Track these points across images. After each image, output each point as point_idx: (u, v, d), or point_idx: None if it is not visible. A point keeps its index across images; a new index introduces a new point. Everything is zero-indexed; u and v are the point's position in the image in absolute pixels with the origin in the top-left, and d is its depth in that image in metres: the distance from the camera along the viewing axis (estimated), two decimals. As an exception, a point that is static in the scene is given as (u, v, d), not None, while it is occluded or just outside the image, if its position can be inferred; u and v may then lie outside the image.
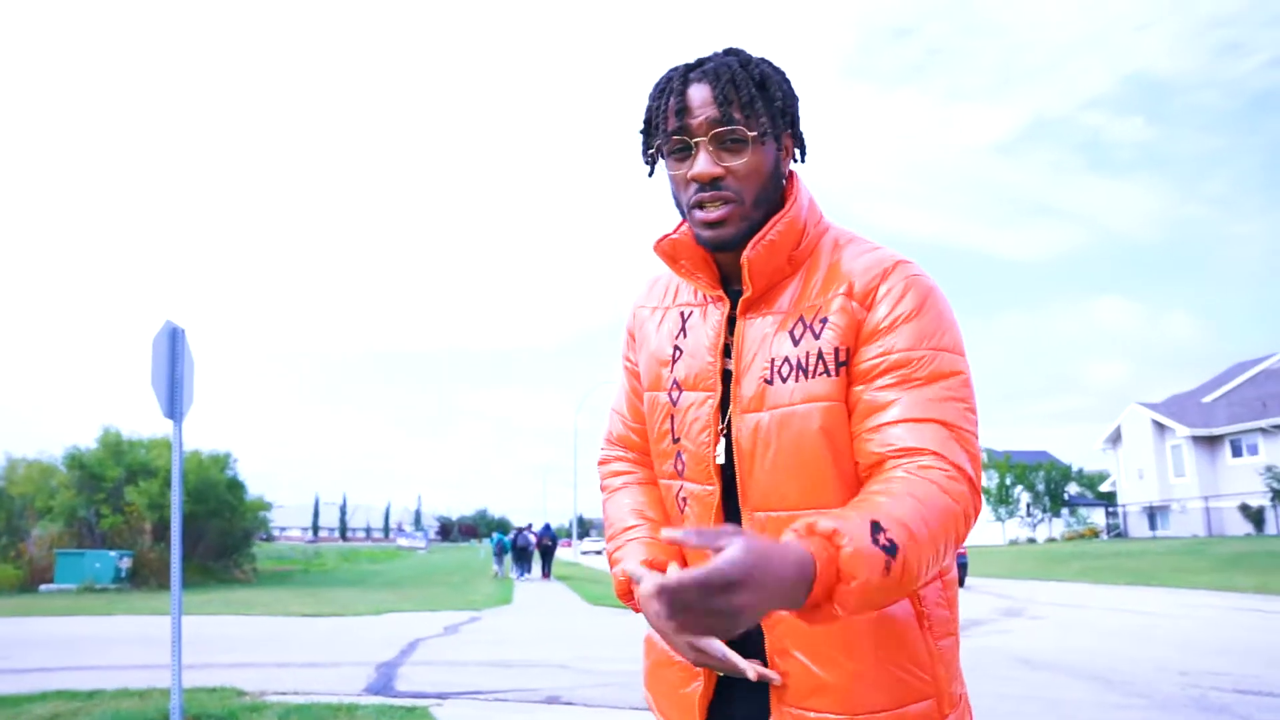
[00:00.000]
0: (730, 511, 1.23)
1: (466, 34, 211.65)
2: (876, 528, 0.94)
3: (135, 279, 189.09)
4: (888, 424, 1.10)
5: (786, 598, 0.91)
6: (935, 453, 1.06)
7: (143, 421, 34.29)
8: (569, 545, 61.98)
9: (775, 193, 1.23)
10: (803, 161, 1.29)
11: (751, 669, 1.10)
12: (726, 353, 1.24)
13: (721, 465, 1.23)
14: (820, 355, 1.16)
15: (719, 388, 1.23)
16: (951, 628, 1.19)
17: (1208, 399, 39.32)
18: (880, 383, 1.12)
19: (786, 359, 1.18)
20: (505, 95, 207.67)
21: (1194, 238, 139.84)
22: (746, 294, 1.22)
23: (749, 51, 1.26)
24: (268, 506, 30.35)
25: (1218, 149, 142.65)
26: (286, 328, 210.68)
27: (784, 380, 1.17)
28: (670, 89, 1.21)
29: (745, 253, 1.19)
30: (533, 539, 29.18)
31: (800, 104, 1.27)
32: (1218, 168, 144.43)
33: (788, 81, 1.27)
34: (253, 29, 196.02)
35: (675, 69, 1.24)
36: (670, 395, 1.29)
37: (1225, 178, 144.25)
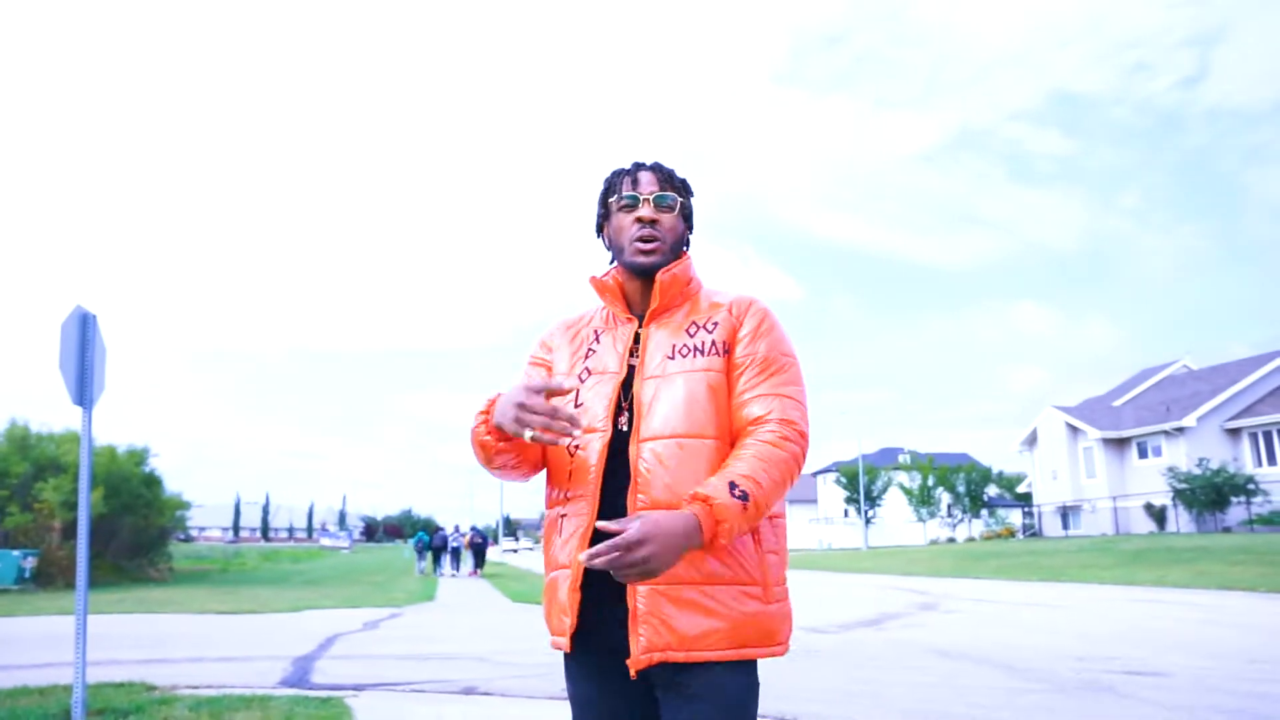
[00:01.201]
0: (615, 451, 1.68)
1: (393, 38, 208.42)
2: (733, 485, 1.54)
3: (47, 267, 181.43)
4: (750, 399, 1.70)
5: (683, 545, 1.48)
6: (778, 419, 1.66)
7: (51, 414, 32.90)
8: (493, 545, 61.52)
9: (680, 248, 1.85)
10: (687, 246, 1.90)
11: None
12: (633, 354, 1.77)
13: (621, 415, 1.72)
14: (711, 344, 1.75)
15: (623, 371, 1.76)
16: (776, 547, 1.71)
17: (1117, 403, 40.96)
18: (748, 374, 1.72)
19: (685, 345, 1.76)
20: (437, 100, 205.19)
21: (1109, 248, 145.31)
22: (654, 306, 1.80)
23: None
24: (186, 505, 29.44)
25: (1130, 164, 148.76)
26: (208, 326, 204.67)
27: (683, 357, 1.74)
28: (627, 171, 1.87)
29: (660, 275, 1.78)
30: (462, 539, 32.86)
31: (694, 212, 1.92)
32: (1131, 182, 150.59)
33: (693, 193, 1.91)
34: (186, 15, 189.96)
35: (631, 164, 1.89)
36: (580, 377, 1.79)
37: (1138, 192, 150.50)
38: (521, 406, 1.56)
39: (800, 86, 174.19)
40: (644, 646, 1.55)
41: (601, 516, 1.61)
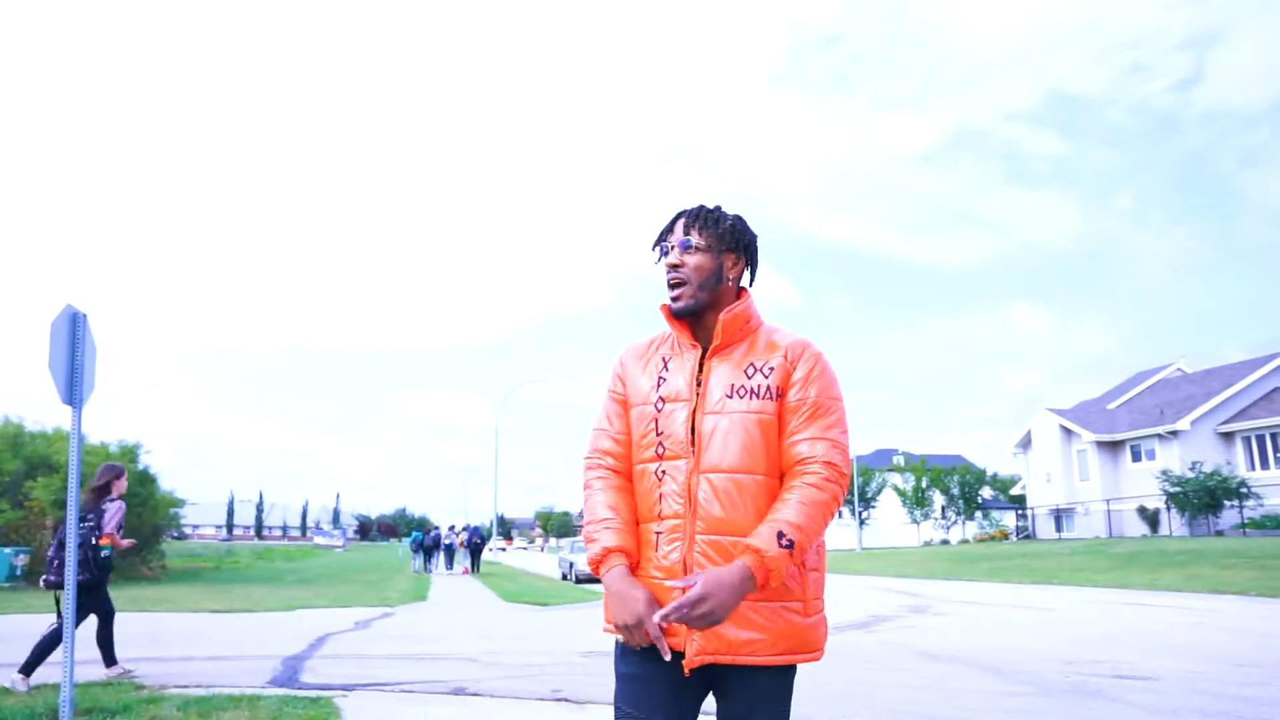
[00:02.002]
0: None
1: (392, 36, 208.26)
2: (780, 535, 1.77)
3: (43, 266, 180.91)
4: (798, 440, 1.91)
5: (740, 594, 1.74)
6: (822, 461, 1.87)
7: (45, 413, 32.84)
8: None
9: (717, 285, 2.01)
10: (752, 281, 2.11)
11: (666, 651, 1.81)
12: (698, 382, 1.97)
13: (691, 444, 1.93)
14: (767, 388, 1.93)
15: (693, 399, 1.96)
16: (818, 565, 1.96)
17: (1111, 406, 41.04)
18: (799, 418, 1.92)
19: (743, 385, 1.94)
20: (435, 98, 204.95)
21: (1104, 250, 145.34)
22: (716, 343, 1.99)
23: (723, 207, 2.10)
24: (180, 502, 29.33)
25: (1126, 165, 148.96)
26: (204, 324, 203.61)
27: (741, 397, 1.93)
28: (670, 223, 2.07)
29: (721, 315, 1.98)
30: (457, 538, 34.20)
31: (756, 241, 2.10)
32: (1126, 183, 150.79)
33: (741, 222, 2.08)
34: (182, 11, 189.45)
35: (675, 214, 2.08)
36: (656, 406, 2.00)
37: (1133, 193, 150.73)
38: (629, 632, 1.84)
39: (798, 86, 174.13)
40: (697, 649, 1.83)
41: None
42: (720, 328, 1.98)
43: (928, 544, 50.22)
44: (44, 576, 6.89)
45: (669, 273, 2.01)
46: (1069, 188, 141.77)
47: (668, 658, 1.79)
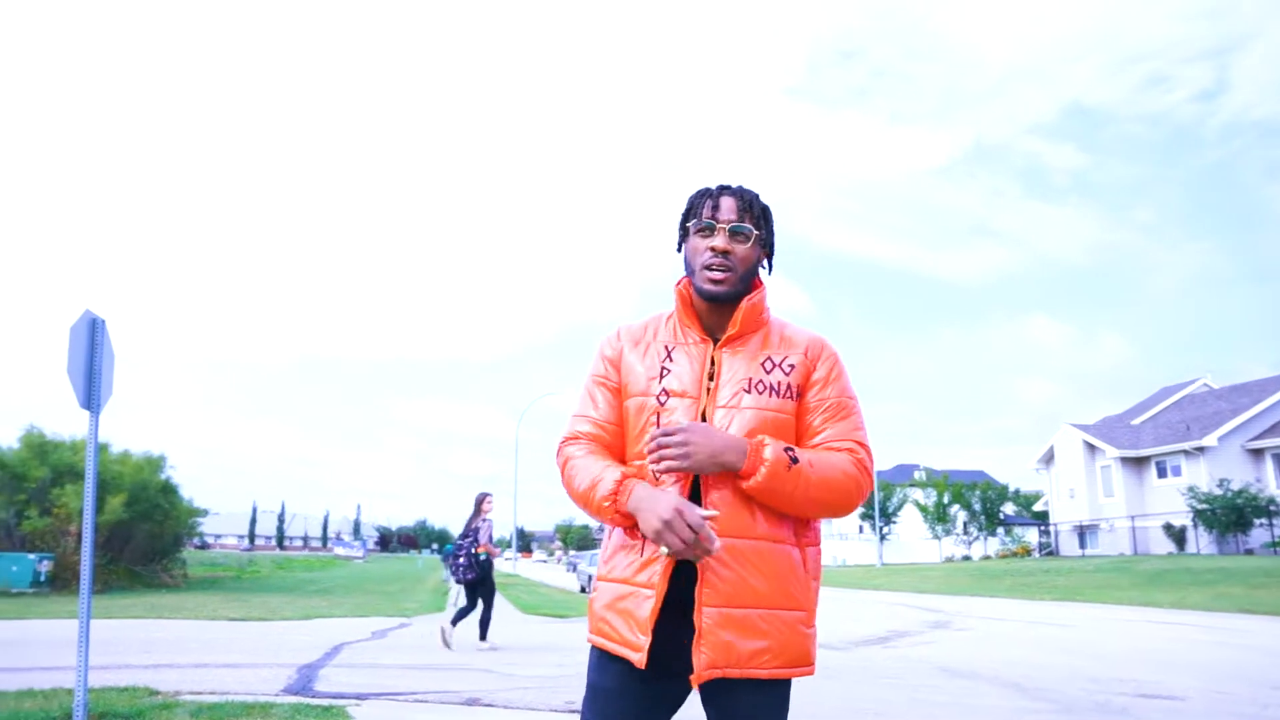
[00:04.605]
0: (695, 478, 1.77)
1: (401, 48, 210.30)
2: (789, 449, 1.72)
3: (67, 276, 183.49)
4: (822, 440, 1.82)
5: (721, 450, 1.68)
6: (848, 447, 1.80)
7: (69, 421, 33.21)
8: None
9: (752, 278, 1.89)
10: (770, 272, 1.97)
11: (706, 524, 1.65)
12: (709, 376, 1.83)
13: None
14: (787, 386, 1.83)
15: (703, 398, 1.81)
16: (816, 574, 1.85)
17: (1136, 421, 40.55)
18: (820, 417, 1.84)
19: (762, 380, 1.83)
20: (448, 110, 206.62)
21: (1123, 263, 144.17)
22: (732, 332, 1.86)
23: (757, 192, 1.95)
24: (201, 512, 29.59)
25: (1144, 178, 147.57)
26: (218, 333, 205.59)
27: (760, 393, 1.81)
28: (709, 194, 1.90)
29: (742, 303, 1.86)
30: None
31: (776, 238, 1.97)
32: (1144, 196, 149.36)
33: (774, 220, 1.96)
34: (192, 25, 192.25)
35: (714, 186, 1.92)
36: (659, 399, 1.83)
37: (1151, 206, 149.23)
38: (670, 526, 1.63)
39: (815, 100, 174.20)
40: (705, 663, 1.69)
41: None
42: (740, 316, 1.86)
43: (949, 560, 49.74)
44: (451, 576, 10.28)
45: (710, 255, 1.84)
46: (1088, 201, 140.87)
47: (716, 546, 1.64)
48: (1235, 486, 30.97)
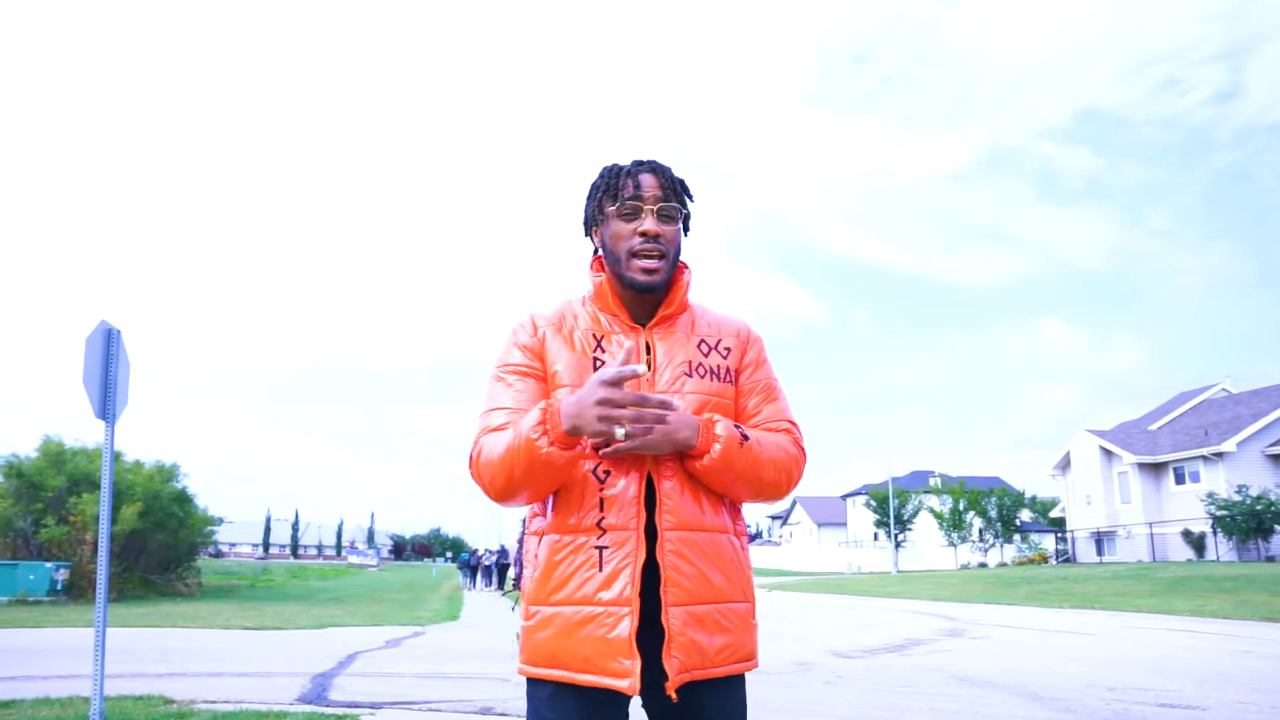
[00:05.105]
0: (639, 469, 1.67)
1: (420, 58, 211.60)
2: (737, 425, 1.66)
3: (78, 285, 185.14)
4: (760, 420, 1.78)
5: (677, 430, 1.58)
6: (787, 430, 1.78)
7: (87, 429, 33.44)
8: None
9: (678, 259, 1.79)
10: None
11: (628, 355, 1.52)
12: (647, 365, 1.72)
13: None
14: (726, 369, 1.79)
15: (642, 388, 1.68)
16: (751, 566, 1.80)
17: (1153, 427, 40.21)
18: (754, 399, 1.80)
19: (701, 364, 1.76)
20: (463, 120, 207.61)
21: (1138, 267, 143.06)
22: (665, 314, 1.77)
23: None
24: (215, 521, 29.74)
25: (1159, 182, 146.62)
26: (238, 342, 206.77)
27: (701, 377, 1.75)
28: (626, 172, 1.75)
29: (675, 285, 1.78)
30: (493, 557, 36.73)
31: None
32: (1159, 200, 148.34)
33: (692, 196, 1.83)
34: (207, 39, 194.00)
35: (628, 163, 1.77)
36: None
37: (1167, 210, 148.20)
38: (605, 402, 1.47)
39: (828, 106, 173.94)
40: (678, 668, 1.57)
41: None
42: (675, 298, 1.78)
43: (965, 567, 49.44)
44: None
45: (641, 241, 1.70)
46: (1102, 205, 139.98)
47: (643, 367, 1.51)
48: (1255, 493, 30.64)
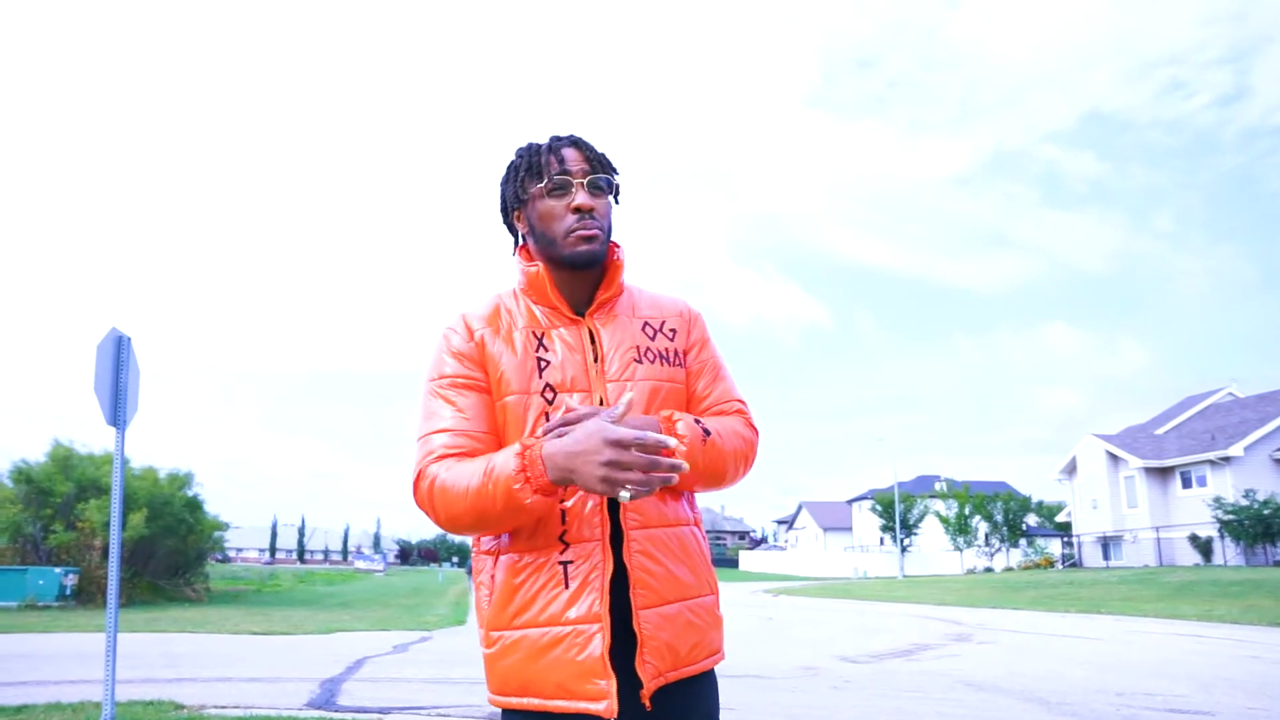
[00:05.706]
0: None
1: (425, 62, 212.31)
2: (699, 421, 1.57)
3: (96, 292, 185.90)
4: (711, 403, 1.70)
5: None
6: (739, 412, 1.72)
7: (94, 435, 33.58)
8: None
9: (611, 236, 1.67)
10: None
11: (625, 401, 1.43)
12: (595, 357, 1.62)
13: None
14: (675, 352, 1.70)
15: (594, 385, 1.59)
16: (709, 557, 1.73)
17: (1160, 431, 40.13)
18: (703, 380, 1.72)
19: (650, 348, 1.67)
20: (465, 124, 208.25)
21: (1143, 271, 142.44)
22: (604, 296, 1.66)
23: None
24: (224, 526, 29.82)
25: (1164, 185, 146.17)
26: (244, 347, 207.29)
27: (651, 362, 1.65)
28: (548, 148, 1.65)
29: (611, 263, 1.67)
30: None
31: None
32: (1164, 203, 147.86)
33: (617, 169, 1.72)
34: (214, 47, 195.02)
35: (547, 139, 1.68)
36: (545, 396, 1.57)
37: (1172, 213, 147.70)
38: (613, 465, 1.33)
39: (833, 110, 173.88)
40: (652, 672, 1.49)
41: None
42: (608, 280, 1.66)
43: (971, 572, 49.33)
44: None
45: (575, 217, 1.59)
46: (1106, 208, 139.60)
47: (673, 442, 1.40)
48: (1262, 497, 30.57)
